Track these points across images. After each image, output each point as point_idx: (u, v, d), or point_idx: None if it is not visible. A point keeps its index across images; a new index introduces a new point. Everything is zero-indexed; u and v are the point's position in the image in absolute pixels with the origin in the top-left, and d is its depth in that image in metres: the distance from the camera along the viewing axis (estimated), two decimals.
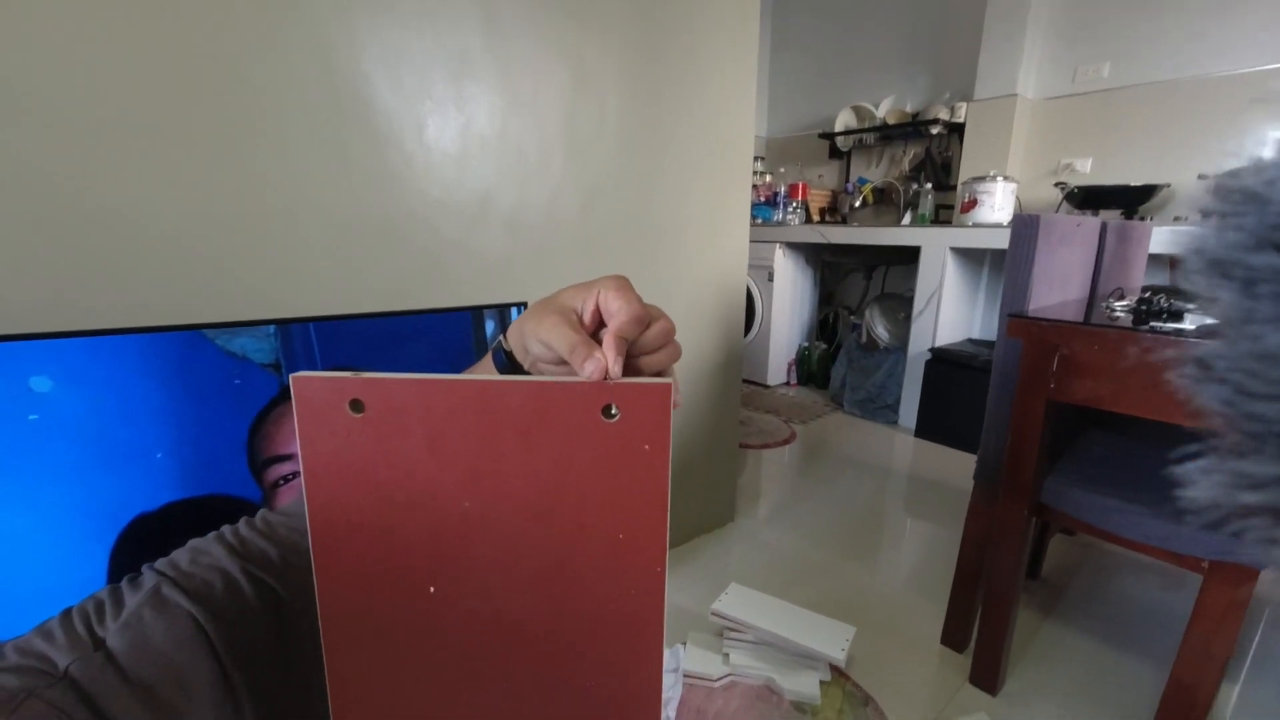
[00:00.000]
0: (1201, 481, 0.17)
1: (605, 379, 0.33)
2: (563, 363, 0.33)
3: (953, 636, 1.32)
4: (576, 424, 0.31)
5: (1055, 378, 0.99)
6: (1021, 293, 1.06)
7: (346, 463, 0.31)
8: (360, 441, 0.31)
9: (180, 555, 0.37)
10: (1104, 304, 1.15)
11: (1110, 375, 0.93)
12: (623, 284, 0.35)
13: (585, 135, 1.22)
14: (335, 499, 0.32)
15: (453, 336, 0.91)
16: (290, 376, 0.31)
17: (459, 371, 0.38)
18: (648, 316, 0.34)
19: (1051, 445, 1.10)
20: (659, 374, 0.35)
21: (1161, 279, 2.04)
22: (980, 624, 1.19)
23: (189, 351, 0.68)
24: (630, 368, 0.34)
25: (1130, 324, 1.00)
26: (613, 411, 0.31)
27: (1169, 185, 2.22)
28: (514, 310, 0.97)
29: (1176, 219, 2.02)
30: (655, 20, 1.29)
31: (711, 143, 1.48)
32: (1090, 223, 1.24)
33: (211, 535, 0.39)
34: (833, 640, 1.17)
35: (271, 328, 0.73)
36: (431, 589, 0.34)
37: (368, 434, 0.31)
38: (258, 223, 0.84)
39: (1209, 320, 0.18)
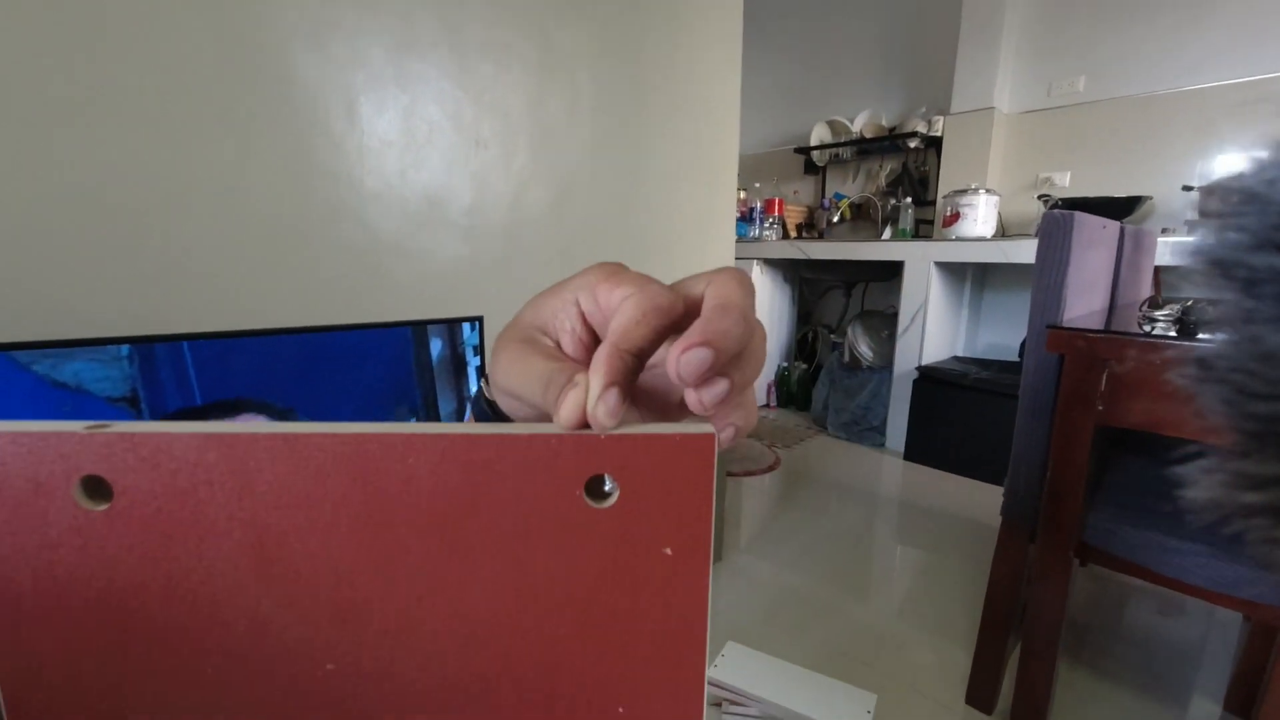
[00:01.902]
0: (1202, 481, 0.17)
1: (586, 428, 0.18)
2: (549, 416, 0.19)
3: (979, 695, 1.16)
4: (540, 511, 0.17)
5: (1104, 398, 0.86)
6: (1055, 300, 0.94)
7: (82, 598, 0.17)
8: (108, 556, 0.16)
9: None
10: (1139, 314, 1.03)
11: (1171, 396, 0.80)
12: (616, 268, 0.21)
13: (554, 124, 1.06)
14: (57, 678, 0.17)
15: (387, 359, 0.72)
16: None
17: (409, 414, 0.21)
18: (676, 304, 0.19)
19: (1094, 476, 0.96)
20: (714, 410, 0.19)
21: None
22: (1018, 683, 1.04)
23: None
24: (657, 402, 0.22)
25: (1177, 336, 0.88)
26: (605, 489, 0.17)
27: (1151, 198, 2.19)
28: (466, 326, 0.78)
29: (1165, 230, 1.98)
30: (633, 2, 1.15)
31: (696, 140, 1.34)
32: (1113, 226, 1.13)
33: None
34: (852, 711, 1.00)
35: (124, 348, 0.53)
36: None
37: (125, 542, 0.16)
38: (131, 208, 0.65)
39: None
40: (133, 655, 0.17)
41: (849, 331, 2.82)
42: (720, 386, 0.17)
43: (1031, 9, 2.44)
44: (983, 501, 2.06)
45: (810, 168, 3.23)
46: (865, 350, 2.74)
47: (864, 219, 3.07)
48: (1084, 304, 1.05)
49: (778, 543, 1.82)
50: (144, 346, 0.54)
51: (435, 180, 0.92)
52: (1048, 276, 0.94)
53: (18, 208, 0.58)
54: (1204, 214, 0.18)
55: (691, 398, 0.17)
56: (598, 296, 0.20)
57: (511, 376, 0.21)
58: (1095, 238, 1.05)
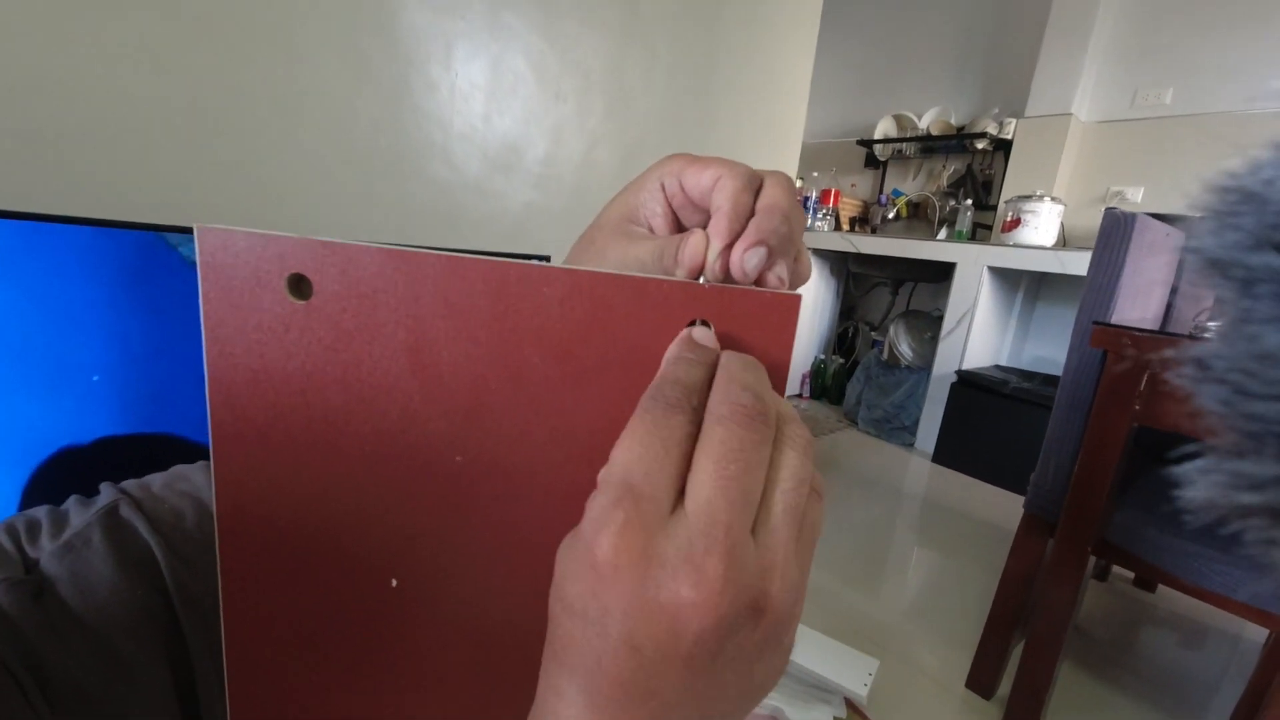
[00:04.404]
0: (1200, 481, 0.17)
1: (700, 278, 0.21)
2: None
3: (980, 681, 1.19)
4: (648, 346, 0.20)
5: (1142, 398, 0.87)
6: (1106, 298, 0.94)
7: (278, 378, 0.20)
8: (303, 345, 0.20)
9: (155, 478, 0.29)
10: (1192, 323, 1.02)
11: None
12: (692, 155, 0.24)
13: (630, 88, 1.10)
14: (258, 438, 0.20)
15: None
16: (196, 228, 0.19)
17: None
18: (756, 176, 0.23)
19: (1124, 478, 0.97)
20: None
21: None
22: (1019, 671, 1.06)
23: (145, 257, 0.56)
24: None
25: None
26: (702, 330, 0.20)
27: None
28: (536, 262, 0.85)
29: None
30: None
31: (762, 121, 1.37)
32: (1176, 235, 1.12)
33: (201, 462, 0.30)
34: (854, 673, 1.04)
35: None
36: (394, 582, 0.22)
37: (316, 334, 0.20)
38: (248, 124, 0.72)
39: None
40: (313, 428, 0.20)
41: (891, 329, 2.80)
42: (761, 253, 0.20)
43: (1124, 14, 2.34)
44: (1008, 509, 2.04)
45: (871, 161, 3.18)
46: (906, 349, 2.72)
47: (920, 219, 3.02)
48: (1137, 309, 1.05)
49: None
50: None
51: (515, 128, 0.98)
52: (1102, 275, 0.95)
53: (147, 110, 0.66)
54: (1201, 213, 0.18)
55: (737, 269, 0.20)
56: (684, 179, 0.23)
57: (624, 261, 0.24)
58: (1157, 243, 1.04)
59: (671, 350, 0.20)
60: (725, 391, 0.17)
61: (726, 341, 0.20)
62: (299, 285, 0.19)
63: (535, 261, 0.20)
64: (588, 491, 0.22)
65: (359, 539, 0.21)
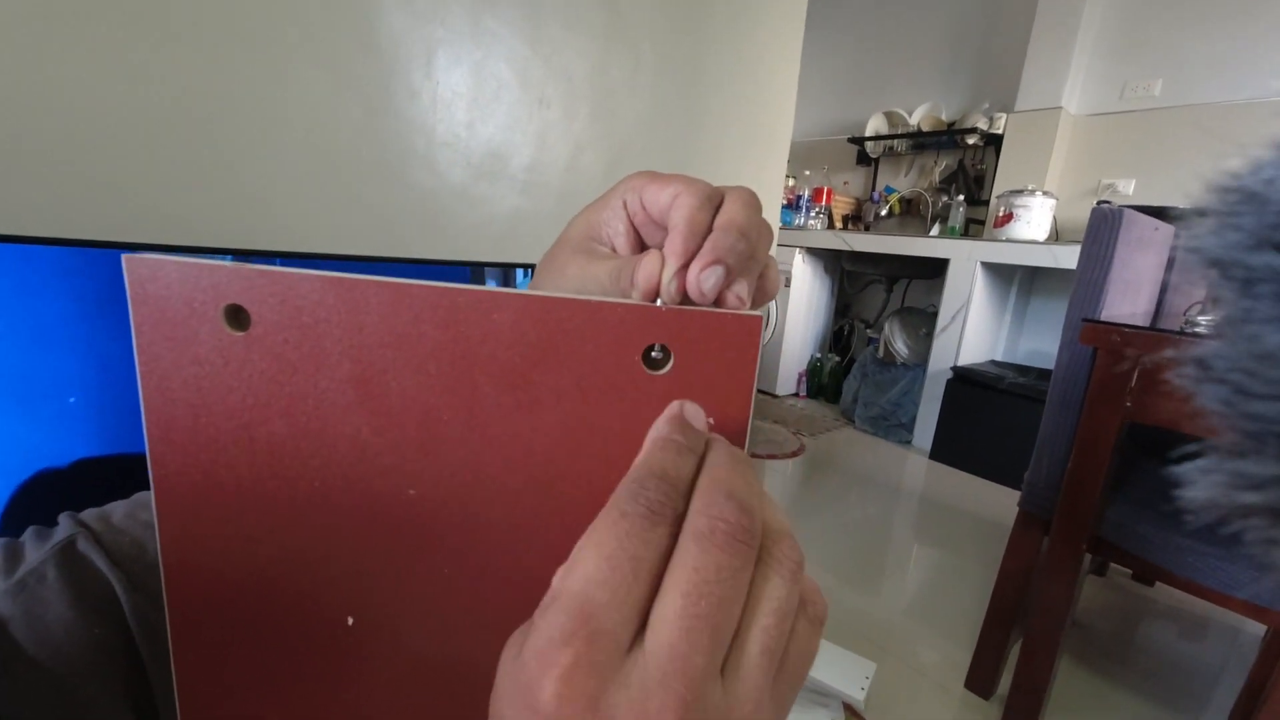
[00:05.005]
0: (1200, 481, 0.17)
1: (657, 300, 0.21)
2: None
3: (978, 681, 1.18)
4: (604, 371, 0.19)
5: (1133, 395, 0.86)
6: (1096, 295, 0.94)
7: (219, 412, 0.19)
8: (244, 378, 0.19)
9: (116, 506, 0.28)
10: (1182, 317, 1.02)
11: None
12: (654, 172, 0.23)
13: (615, 92, 1.10)
14: (200, 474, 0.20)
15: None
16: (124, 258, 0.18)
17: None
18: (717, 193, 0.22)
19: (1117, 474, 0.97)
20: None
21: None
22: (1017, 669, 1.06)
23: (120, 276, 0.56)
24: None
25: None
26: (654, 355, 0.19)
27: None
28: (519, 271, 0.84)
29: None
30: None
31: (749, 122, 1.36)
32: (1165, 229, 1.11)
33: None
34: (851, 677, 1.04)
35: (228, 259, 0.61)
36: (350, 620, 0.21)
37: (257, 366, 0.19)
38: (228, 134, 0.72)
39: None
40: (258, 462, 0.20)
41: (886, 327, 2.80)
42: (719, 273, 0.20)
43: (1112, 6, 2.34)
44: (1006, 505, 2.03)
45: (863, 159, 3.18)
46: (901, 347, 2.72)
47: (913, 215, 3.02)
48: (1127, 304, 1.05)
49: (794, 526, 1.85)
50: (242, 259, 0.61)
51: (499, 135, 0.97)
52: (1091, 272, 0.94)
53: (122, 121, 0.65)
54: (1201, 213, 0.18)
55: (694, 289, 0.20)
56: (644, 197, 0.22)
57: (581, 281, 0.23)
58: (1146, 238, 1.04)
59: (659, 429, 0.18)
60: (708, 499, 0.16)
61: (686, 366, 0.19)
62: (237, 316, 0.19)
63: (512, 273, 0.20)
64: (545, 523, 0.21)
65: (311, 576, 0.21)
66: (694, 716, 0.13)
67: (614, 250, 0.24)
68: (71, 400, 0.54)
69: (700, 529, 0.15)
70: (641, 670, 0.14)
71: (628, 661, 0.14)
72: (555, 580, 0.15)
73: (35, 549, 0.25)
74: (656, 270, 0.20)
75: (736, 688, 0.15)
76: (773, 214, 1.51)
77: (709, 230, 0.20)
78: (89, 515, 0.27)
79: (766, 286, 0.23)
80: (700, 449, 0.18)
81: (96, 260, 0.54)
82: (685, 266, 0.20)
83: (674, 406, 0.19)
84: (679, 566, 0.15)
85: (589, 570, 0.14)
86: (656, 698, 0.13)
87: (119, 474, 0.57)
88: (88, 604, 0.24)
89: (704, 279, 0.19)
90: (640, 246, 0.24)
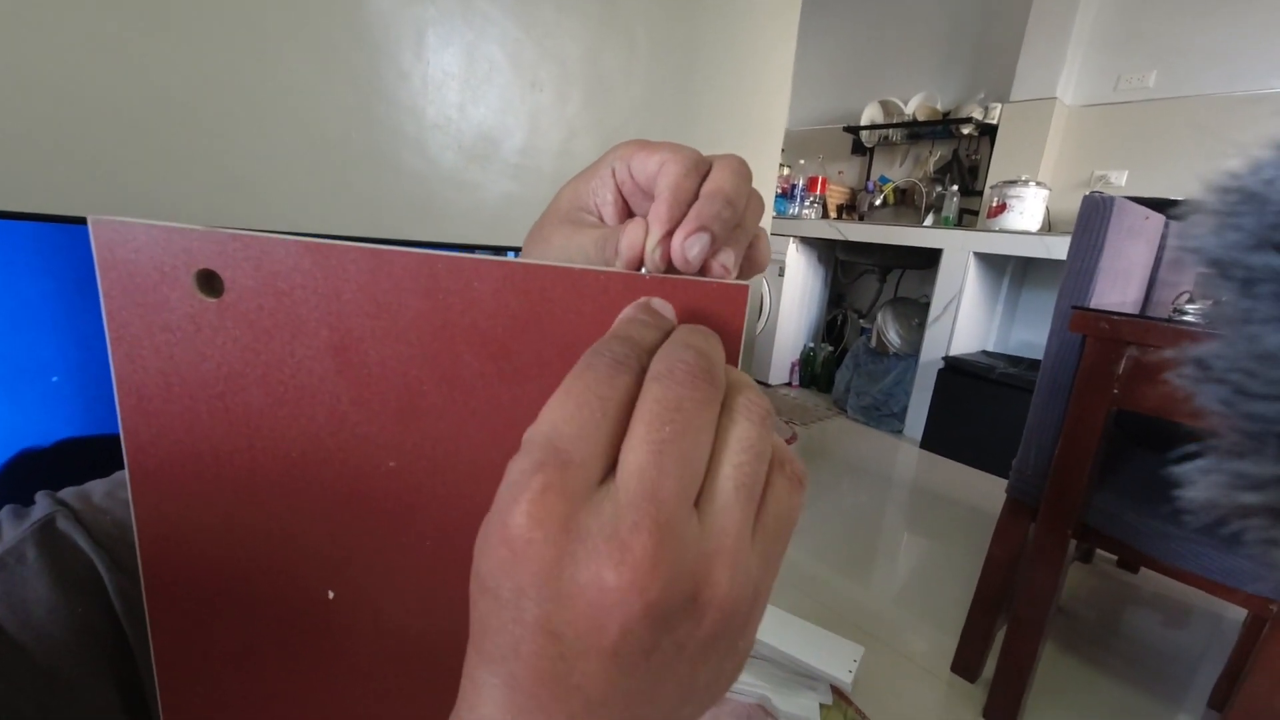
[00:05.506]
0: (1200, 481, 0.17)
1: (641, 269, 0.20)
2: None
3: (965, 664, 1.20)
4: (587, 340, 0.18)
5: (1121, 382, 0.87)
6: (1085, 282, 0.94)
7: (193, 380, 0.19)
8: (217, 345, 0.19)
9: (96, 485, 0.28)
10: (1171, 306, 1.03)
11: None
12: (644, 140, 0.23)
13: (610, 75, 1.09)
14: (174, 444, 0.19)
15: None
16: (90, 219, 0.18)
17: None
18: (704, 161, 0.22)
19: (1104, 463, 0.98)
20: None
21: None
22: (1002, 653, 1.08)
23: None
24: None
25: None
26: None
27: None
28: (511, 254, 0.83)
29: None
30: None
31: (743, 110, 1.35)
32: (1156, 219, 1.12)
33: None
34: (838, 660, 1.05)
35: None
36: (330, 594, 0.21)
37: (231, 333, 0.19)
38: (214, 117, 0.70)
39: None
40: (234, 432, 0.19)
41: (879, 317, 2.80)
42: (703, 240, 0.19)
43: None
44: (995, 494, 2.06)
45: (858, 148, 3.17)
46: (894, 337, 2.73)
47: (907, 205, 3.02)
48: (1116, 292, 1.05)
49: None
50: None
51: (491, 118, 0.96)
52: (1081, 260, 0.95)
53: (106, 102, 0.64)
54: (1202, 213, 0.18)
55: (678, 257, 0.19)
56: (632, 165, 0.22)
57: (567, 251, 0.23)
58: (1136, 227, 1.04)
59: (626, 312, 0.18)
60: (668, 351, 0.16)
61: None
62: (209, 281, 0.18)
63: (503, 256, 0.19)
64: None
65: (291, 549, 0.20)
66: (667, 539, 0.13)
67: (601, 219, 0.24)
68: (54, 380, 0.54)
69: (659, 370, 0.15)
70: (613, 499, 0.14)
71: (599, 492, 0.14)
72: (524, 438, 0.15)
73: (12, 528, 0.25)
74: (640, 238, 0.20)
75: (713, 519, 0.14)
76: (767, 202, 1.51)
77: (695, 198, 0.20)
78: (68, 494, 0.27)
79: (756, 257, 0.23)
80: (667, 327, 0.18)
81: (78, 238, 0.53)
82: (670, 234, 0.19)
83: (641, 299, 0.19)
84: (641, 403, 0.15)
85: (555, 415, 0.15)
86: (628, 518, 0.13)
87: (103, 454, 0.56)
88: (69, 584, 0.24)
89: (688, 246, 0.19)
90: (628, 215, 0.24)
